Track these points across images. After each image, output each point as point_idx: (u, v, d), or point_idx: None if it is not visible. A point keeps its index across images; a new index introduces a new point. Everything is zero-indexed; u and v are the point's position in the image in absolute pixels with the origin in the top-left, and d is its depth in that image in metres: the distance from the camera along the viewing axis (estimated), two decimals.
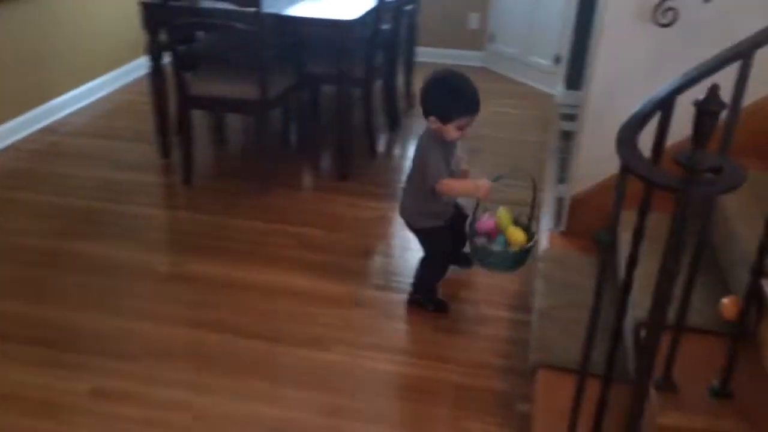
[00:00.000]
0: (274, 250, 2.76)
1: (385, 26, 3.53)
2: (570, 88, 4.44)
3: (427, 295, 2.41)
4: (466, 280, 2.57)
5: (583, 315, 2.09)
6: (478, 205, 2.21)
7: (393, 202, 3.19)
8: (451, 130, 2.15)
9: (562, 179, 3.14)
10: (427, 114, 2.18)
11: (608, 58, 2.28)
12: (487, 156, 3.71)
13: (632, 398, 1.39)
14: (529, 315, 2.34)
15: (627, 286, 1.46)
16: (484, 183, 2.15)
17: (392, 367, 2.15)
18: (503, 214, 2.21)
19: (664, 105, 1.30)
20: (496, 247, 2.17)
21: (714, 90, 1.15)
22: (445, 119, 2.13)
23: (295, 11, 3.13)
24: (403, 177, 3.45)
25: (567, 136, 3.92)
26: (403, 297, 2.46)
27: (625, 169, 1.24)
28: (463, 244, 2.46)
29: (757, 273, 1.43)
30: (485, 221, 2.22)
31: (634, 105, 2.29)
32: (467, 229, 2.26)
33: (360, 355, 2.20)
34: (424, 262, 2.42)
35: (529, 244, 2.17)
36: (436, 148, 2.20)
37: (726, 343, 1.65)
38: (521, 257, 2.17)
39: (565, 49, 4.51)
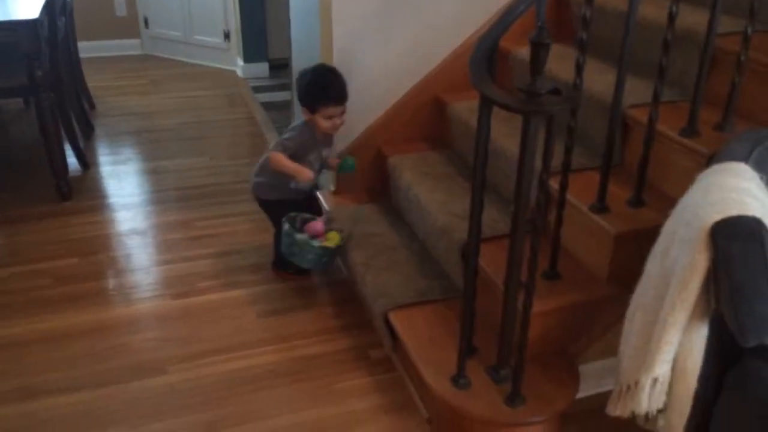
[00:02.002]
0: (33, 294, 2.37)
1: (60, 23, 3.15)
2: (249, 61, 4.54)
3: (282, 262, 2.42)
4: (266, 262, 2.56)
5: (396, 255, 2.33)
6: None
7: (129, 210, 2.96)
8: (320, 120, 2.26)
9: None
10: (301, 106, 2.29)
11: (343, 21, 2.47)
12: (199, 143, 3.64)
13: (507, 300, 1.65)
14: (340, 274, 2.48)
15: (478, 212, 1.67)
16: (310, 173, 2.24)
17: (241, 364, 2.09)
18: (334, 234, 2.34)
19: (493, 47, 1.53)
20: (307, 240, 2.24)
21: (541, 27, 1.41)
22: (311, 108, 2.25)
23: None
24: (120, 183, 3.20)
25: (269, 107, 4.05)
26: (207, 297, 2.39)
27: (487, 101, 1.44)
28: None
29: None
30: (316, 223, 2.32)
31: (375, 60, 2.55)
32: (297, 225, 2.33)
33: (201, 364, 2.08)
34: (275, 235, 2.43)
35: (335, 245, 2.30)
36: (300, 134, 2.28)
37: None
38: (324, 254, 2.28)
39: (232, 26, 4.57)
